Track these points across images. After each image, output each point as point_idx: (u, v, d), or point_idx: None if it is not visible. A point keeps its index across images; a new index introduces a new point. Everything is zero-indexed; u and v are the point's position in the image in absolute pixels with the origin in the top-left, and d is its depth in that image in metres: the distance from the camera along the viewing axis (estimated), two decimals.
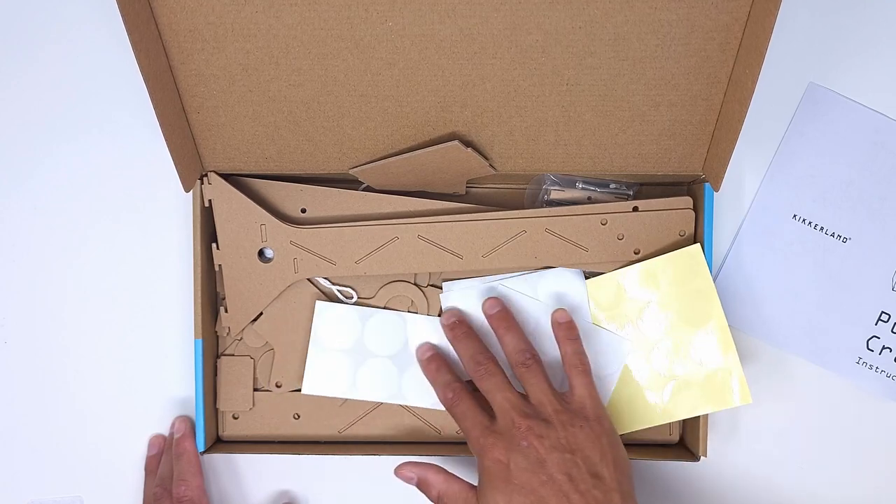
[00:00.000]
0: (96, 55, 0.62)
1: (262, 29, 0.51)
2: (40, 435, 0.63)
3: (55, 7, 0.62)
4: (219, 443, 0.62)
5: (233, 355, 0.61)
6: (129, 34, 0.47)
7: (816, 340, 0.63)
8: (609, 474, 0.51)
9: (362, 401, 0.61)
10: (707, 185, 0.57)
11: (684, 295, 0.58)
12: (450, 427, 0.61)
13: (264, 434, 0.61)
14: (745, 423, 0.63)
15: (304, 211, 0.59)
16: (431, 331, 0.60)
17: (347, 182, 0.59)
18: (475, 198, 0.61)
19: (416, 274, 0.60)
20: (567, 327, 0.57)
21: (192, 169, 0.57)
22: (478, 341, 0.57)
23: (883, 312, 0.62)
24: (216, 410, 0.61)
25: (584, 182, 0.59)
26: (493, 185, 0.62)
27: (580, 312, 0.59)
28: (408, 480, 0.55)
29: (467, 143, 0.55)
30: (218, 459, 0.63)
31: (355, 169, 0.57)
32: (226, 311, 0.59)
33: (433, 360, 0.58)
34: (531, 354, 0.55)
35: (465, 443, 0.61)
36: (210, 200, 0.58)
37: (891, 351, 0.62)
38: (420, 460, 0.56)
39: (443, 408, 0.60)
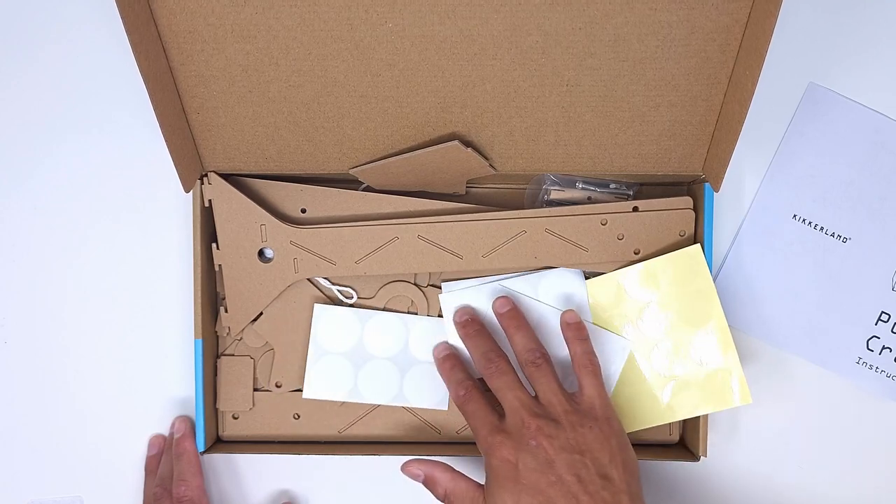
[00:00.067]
0: (96, 55, 0.62)
1: (261, 30, 0.51)
2: (40, 435, 0.63)
3: (55, 7, 0.62)
4: (219, 443, 0.62)
5: (233, 355, 0.61)
6: (128, 35, 0.47)
7: (816, 340, 0.63)
8: (618, 476, 0.51)
9: (375, 403, 0.61)
10: (707, 185, 0.57)
11: (684, 295, 0.58)
12: (450, 427, 0.61)
13: (264, 434, 0.61)
14: (745, 423, 0.63)
15: (304, 211, 0.59)
16: (431, 332, 0.60)
17: (347, 182, 0.59)
18: (475, 198, 0.61)
19: (416, 274, 0.60)
20: (576, 328, 0.57)
21: (192, 169, 0.56)
22: (490, 339, 0.57)
23: (883, 312, 0.62)
24: (216, 410, 0.61)
25: (584, 182, 0.59)
26: (493, 185, 0.62)
27: (581, 312, 0.59)
28: (414, 478, 0.55)
29: (467, 144, 0.55)
30: (218, 459, 0.63)
31: (355, 169, 0.57)
32: (226, 311, 0.59)
33: (448, 359, 0.58)
34: (541, 354, 0.55)
35: (464, 443, 0.61)
36: (210, 200, 0.58)
37: (891, 351, 0.62)
38: (427, 458, 0.55)
39: (443, 408, 0.60)
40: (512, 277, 0.60)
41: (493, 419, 0.53)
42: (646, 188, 0.61)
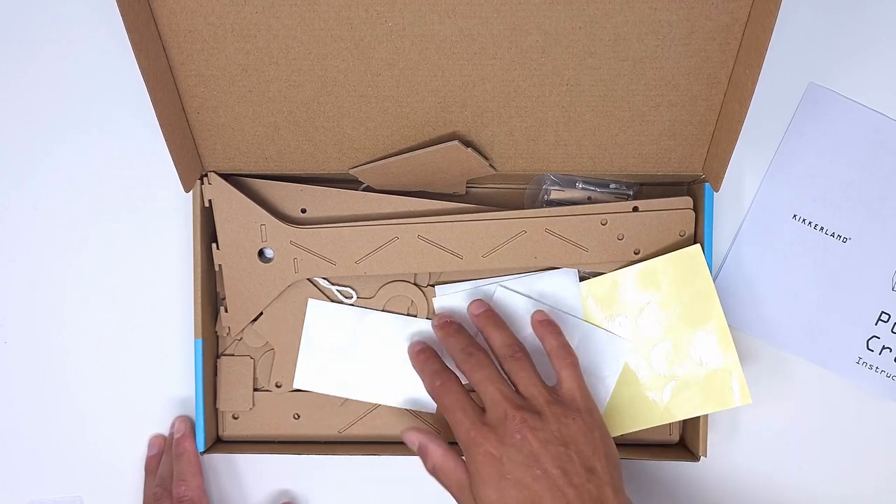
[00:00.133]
0: (96, 55, 0.62)
1: (261, 29, 0.51)
2: (40, 435, 0.63)
3: (55, 7, 0.62)
4: (219, 443, 0.62)
5: (233, 355, 0.61)
6: (129, 34, 0.47)
7: (816, 340, 0.63)
8: (602, 468, 0.50)
9: (362, 401, 0.61)
10: (707, 185, 0.57)
11: (684, 295, 0.58)
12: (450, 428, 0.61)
13: (264, 434, 0.61)
14: (745, 423, 0.63)
15: (304, 211, 0.59)
16: (426, 332, 0.60)
17: (347, 182, 0.59)
18: (475, 198, 0.61)
19: (416, 274, 0.60)
20: (548, 324, 0.56)
21: (192, 169, 0.57)
22: (468, 335, 0.57)
23: (883, 312, 0.62)
24: (216, 410, 0.61)
25: (584, 182, 0.59)
26: (493, 185, 0.62)
27: (575, 312, 0.59)
28: (411, 445, 0.55)
29: (467, 143, 0.55)
30: (218, 459, 0.63)
31: (355, 169, 0.57)
32: (226, 311, 0.59)
33: (424, 352, 0.58)
34: (519, 348, 0.55)
35: None
36: (210, 200, 0.58)
37: (891, 351, 0.62)
38: (427, 430, 0.55)
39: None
40: (505, 279, 0.60)
41: (475, 412, 0.52)
42: (646, 188, 0.61)
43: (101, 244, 0.63)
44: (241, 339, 0.61)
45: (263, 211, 0.58)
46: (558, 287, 0.59)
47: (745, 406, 0.58)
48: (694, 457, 0.59)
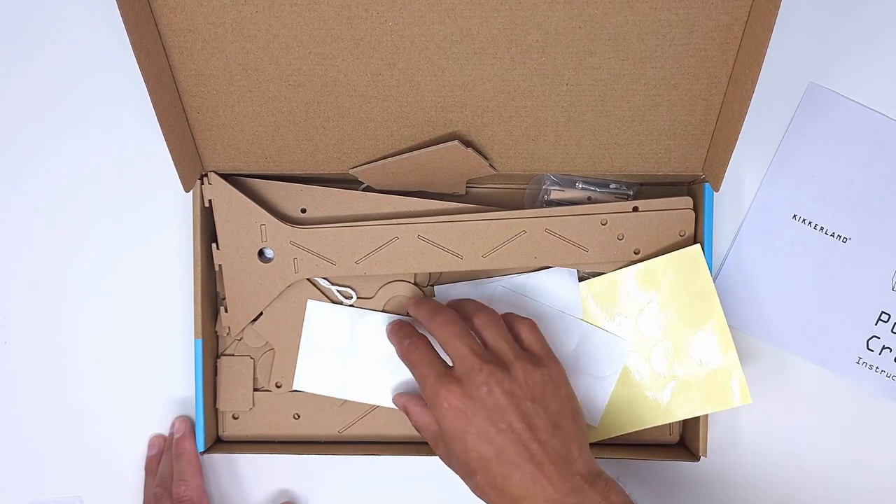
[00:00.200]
0: (96, 55, 0.62)
1: (261, 29, 0.51)
2: (40, 435, 0.63)
3: (55, 7, 0.62)
4: (219, 443, 0.62)
5: (233, 355, 0.61)
6: (129, 34, 0.47)
7: (816, 340, 0.63)
8: (567, 424, 0.50)
9: (363, 402, 0.61)
10: (707, 185, 0.57)
11: (684, 295, 0.58)
12: None
13: (264, 434, 0.61)
14: (745, 423, 0.63)
15: (304, 211, 0.59)
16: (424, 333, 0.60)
17: (347, 182, 0.59)
18: (475, 198, 0.61)
19: (416, 274, 0.60)
20: (473, 308, 0.54)
21: (192, 169, 0.57)
22: (434, 301, 0.56)
23: (883, 312, 0.62)
24: (216, 410, 0.61)
25: (584, 182, 0.59)
26: (493, 185, 0.62)
27: (575, 312, 0.59)
28: (399, 407, 0.57)
29: (467, 143, 0.55)
30: (218, 459, 0.63)
31: (355, 169, 0.57)
32: (226, 311, 0.59)
33: (396, 321, 0.58)
34: (482, 304, 0.54)
35: None
36: (210, 200, 0.58)
37: (891, 351, 0.62)
38: (413, 393, 0.57)
39: None
40: (505, 279, 0.60)
41: (441, 366, 0.52)
42: (646, 188, 0.61)
43: (101, 244, 0.63)
44: (241, 339, 0.61)
45: (263, 211, 0.58)
46: (558, 287, 0.59)
47: (745, 406, 0.58)
48: (694, 457, 0.59)
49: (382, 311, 0.60)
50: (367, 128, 0.55)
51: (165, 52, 0.52)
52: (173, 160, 0.54)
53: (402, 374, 0.59)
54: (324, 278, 0.60)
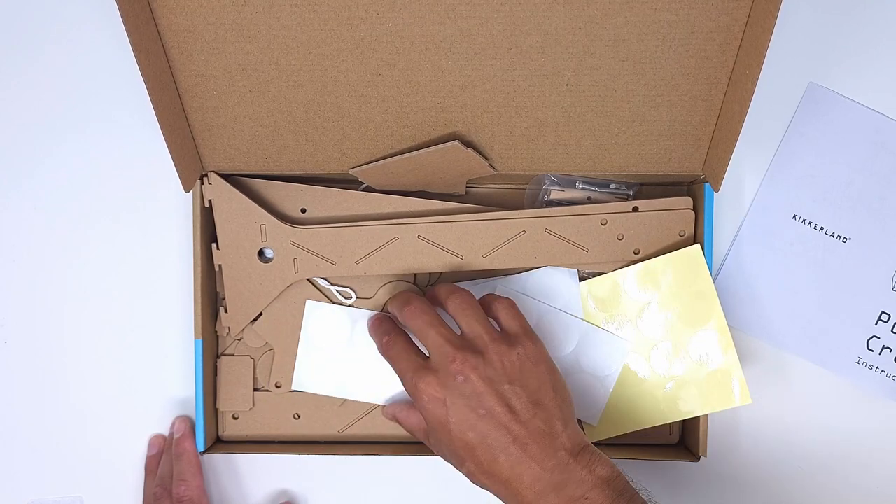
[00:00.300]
0: (96, 55, 0.62)
1: (261, 29, 0.51)
2: (40, 435, 0.63)
3: (55, 7, 0.62)
4: (219, 443, 0.62)
5: (233, 355, 0.61)
6: (128, 34, 0.47)
7: (816, 340, 0.63)
8: (550, 401, 0.50)
9: (362, 401, 0.61)
10: (707, 185, 0.57)
11: (684, 295, 0.58)
12: None
13: (264, 434, 0.61)
14: (745, 423, 0.63)
15: (304, 211, 0.59)
16: None
17: (347, 182, 0.59)
18: (475, 198, 0.61)
19: (416, 274, 0.60)
20: (445, 293, 0.54)
21: (192, 169, 0.56)
22: (406, 293, 0.56)
23: (883, 312, 0.62)
24: (216, 410, 0.61)
25: (584, 182, 0.59)
26: (493, 185, 0.62)
27: (575, 312, 0.59)
28: (390, 419, 0.57)
29: (467, 143, 0.55)
30: (218, 459, 0.63)
31: (355, 169, 0.57)
32: (226, 311, 0.59)
33: (376, 318, 0.58)
34: (455, 287, 0.54)
35: None
36: (210, 200, 0.58)
37: (891, 351, 0.62)
38: (401, 403, 0.57)
39: None
40: (505, 279, 0.60)
41: (418, 359, 0.52)
42: (646, 188, 0.61)
43: (101, 244, 0.63)
44: (241, 339, 0.61)
45: (263, 211, 0.58)
46: (558, 287, 0.59)
47: (745, 406, 0.58)
48: (694, 457, 0.59)
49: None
50: (367, 128, 0.55)
51: (165, 52, 0.52)
52: (173, 160, 0.54)
53: None
54: (323, 278, 0.60)
